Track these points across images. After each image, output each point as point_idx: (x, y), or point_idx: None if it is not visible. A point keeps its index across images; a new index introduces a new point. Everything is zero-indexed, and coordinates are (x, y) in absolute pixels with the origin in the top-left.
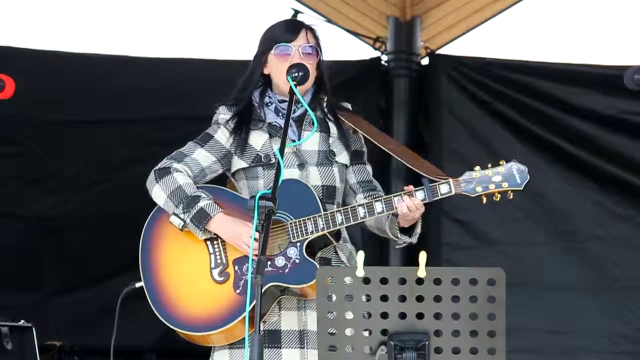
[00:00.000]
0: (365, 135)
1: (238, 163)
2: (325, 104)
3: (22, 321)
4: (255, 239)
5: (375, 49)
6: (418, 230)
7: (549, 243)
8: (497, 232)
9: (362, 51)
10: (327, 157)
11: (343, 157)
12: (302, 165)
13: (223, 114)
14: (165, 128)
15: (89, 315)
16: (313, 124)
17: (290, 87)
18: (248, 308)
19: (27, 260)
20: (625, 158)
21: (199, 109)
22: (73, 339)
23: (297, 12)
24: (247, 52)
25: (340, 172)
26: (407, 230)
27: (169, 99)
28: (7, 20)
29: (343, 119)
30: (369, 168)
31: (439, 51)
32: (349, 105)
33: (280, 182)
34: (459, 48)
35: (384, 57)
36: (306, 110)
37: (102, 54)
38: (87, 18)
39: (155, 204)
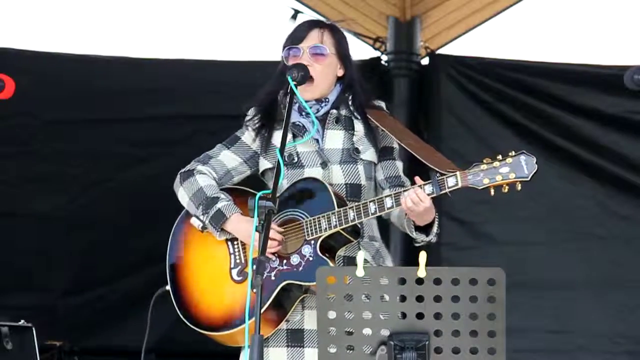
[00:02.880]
0: (385, 130)
1: (264, 163)
2: (351, 102)
3: (22, 321)
4: (254, 237)
5: (375, 49)
6: (435, 229)
7: (550, 243)
8: (497, 232)
9: (362, 51)
10: (350, 155)
11: (369, 154)
12: (324, 164)
13: (251, 115)
14: (165, 128)
15: (90, 316)
16: (337, 120)
17: (290, 87)
18: (248, 307)
19: (29, 260)
20: (626, 158)
21: (199, 109)
22: (74, 339)
23: (297, 12)
24: (246, 52)
25: (366, 170)
26: (424, 230)
27: (168, 99)
28: (7, 21)
29: (370, 117)
30: (398, 164)
31: (439, 51)
32: (382, 104)
33: (280, 181)
34: (459, 48)
35: (384, 57)
36: (330, 109)
37: (102, 55)
38: (87, 20)
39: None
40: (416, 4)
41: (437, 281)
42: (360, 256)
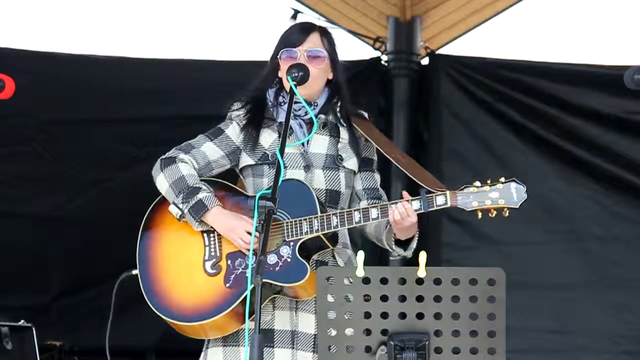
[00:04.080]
0: (373, 143)
1: (245, 160)
2: (338, 109)
3: (22, 321)
4: (254, 236)
5: (375, 49)
6: (414, 244)
7: (549, 243)
8: (497, 232)
9: (362, 51)
10: (334, 162)
11: (351, 163)
12: (307, 167)
13: (236, 110)
14: (165, 128)
15: (90, 316)
16: (323, 126)
17: (290, 87)
18: (248, 306)
19: (29, 260)
20: (625, 157)
21: (199, 109)
22: (74, 339)
23: (297, 12)
24: (246, 52)
25: (346, 178)
26: (403, 244)
27: (168, 99)
28: (7, 21)
29: (356, 126)
30: (377, 177)
31: (439, 51)
32: (365, 114)
33: (280, 182)
34: (459, 48)
35: (384, 57)
36: (318, 113)
37: (101, 55)
38: (87, 20)
39: (158, 194)
40: (416, 4)
41: (437, 281)
42: (360, 256)
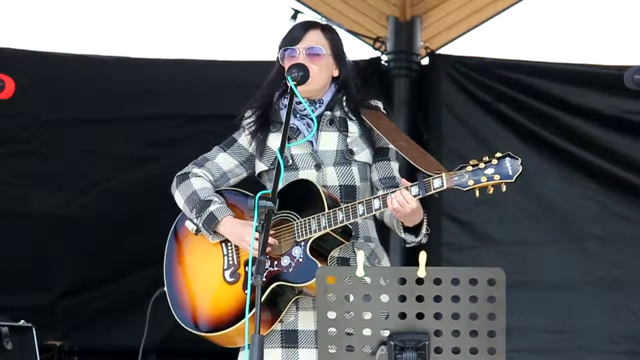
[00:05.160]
0: (378, 131)
1: (260, 166)
2: (345, 103)
3: (22, 321)
4: (256, 238)
5: (375, 49)
6: (424, 229)
7: (549, 243)
8: (497, 232)
9: (362, 51)
10: (344, 157)
11: (364, 155)
12: (318, 166)
13: (247, 117)
14: (165, 128)
15: (90, 316)
16: (331, 122)
17: (290, 87)
18: (248, 307)
19: (29, 260)
20: (625, 157)
21: (199, 109)
22: (74, 339)
23: (297, 12)
24: (246, 52)
25: (360, 171)
26: (413, 230)
27: (168, 100)
28: (7, 21)
29: (364, 118)
30: (394, 165)
31: (439, 51)
32: (379, 104)
33: (280, 181)
34: (459, 48)
35: (384, 57)
36: (324, 110)
37: (102, 55)
38: (87, 20)
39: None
40: (416, 4)
41: (437, 281)
42: (360, 256)
